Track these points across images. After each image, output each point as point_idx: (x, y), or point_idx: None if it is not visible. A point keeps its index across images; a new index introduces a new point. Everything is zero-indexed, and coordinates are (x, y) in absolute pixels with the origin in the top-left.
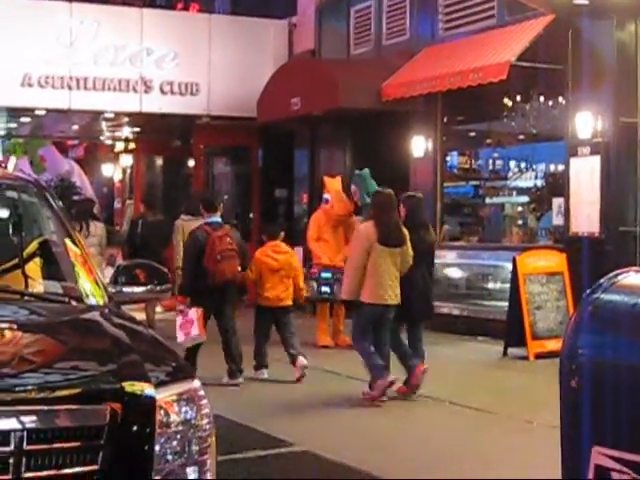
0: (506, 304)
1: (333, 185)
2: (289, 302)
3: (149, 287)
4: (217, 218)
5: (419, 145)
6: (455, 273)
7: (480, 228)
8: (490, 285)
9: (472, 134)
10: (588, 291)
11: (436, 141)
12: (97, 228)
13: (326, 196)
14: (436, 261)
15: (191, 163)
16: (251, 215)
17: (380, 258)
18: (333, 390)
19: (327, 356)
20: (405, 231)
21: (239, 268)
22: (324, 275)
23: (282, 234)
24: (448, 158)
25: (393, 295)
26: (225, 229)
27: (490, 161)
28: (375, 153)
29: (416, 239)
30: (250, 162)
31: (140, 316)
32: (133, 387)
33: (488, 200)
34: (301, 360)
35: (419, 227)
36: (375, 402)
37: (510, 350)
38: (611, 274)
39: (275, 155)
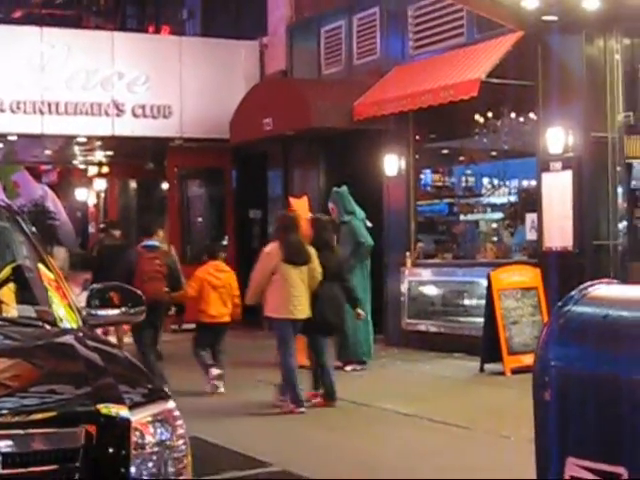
0: (482, 320)
1: (299, 205)
2: (228, 319)
3: (123, 309)
4: (153, 242)
5: (392, 163)
6: (431, 290)
7: (455, 245)
8: (466, 301)
9: (445, 152)
10: (559, 304)
11: (409, 159)
12: (60, 252)
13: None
14: (411, 279)
15: (165, 186)
16: (225, 237)
17: (287, 275)
18: (310, 410)
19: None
20: (311, 250)
21: (165, 289)
22: None
23: (223, 255)
24: (421, 176)
25: (301, 309)
26: (158, 252)
27: (463, 178)
28: (348, 172)
29: (322, 258)
30: (224, 183)
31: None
32: (108, 409)
33: (462, 217)
34: (214, 371)
35: (323, 247)
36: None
37: (486, 366)
38: (582, 286)
39: (249, 176)
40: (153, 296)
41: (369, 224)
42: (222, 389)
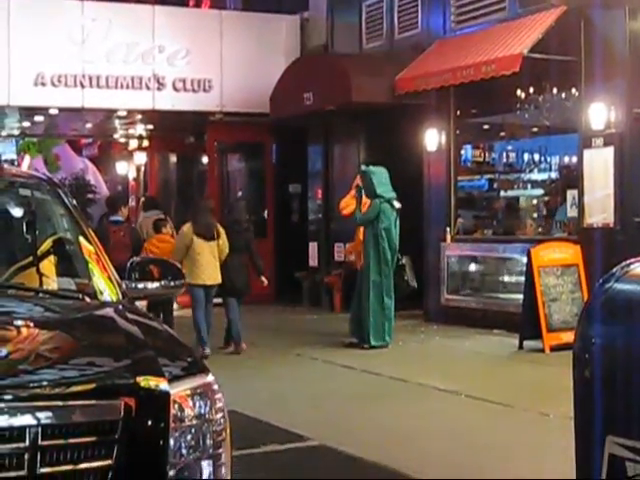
0: (521, 297)
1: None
2: None
3: (162, 283)
4: (117, 217)
5: (432, 139)
6: (470, 266)
7: (495, 221)
8: (505, 278)
9: (485, 127)
10: (600, 281)
11: (449, 134)
12: None
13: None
14: (451, 255)
15: (205, 160)
16: (265, 211)
17: (199, 248)
18: (348, 384)
19: (341, 351)
20: (220, 228)
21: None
22: None
23: (165, 230)
24: (462, 151)
25: (212, 277)
26: (122, 226)
27: (504, 154)
28: (389, 147)
29: (233, 234)
30: (264, 158)
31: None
32: (147, 382)
33: (502, 193)
34: None
35: (234, 225)
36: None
37: (526, 343)
38: (624, 263)
39: (288, 151)
40: (116, 264)
41: (397, 205)
42: None
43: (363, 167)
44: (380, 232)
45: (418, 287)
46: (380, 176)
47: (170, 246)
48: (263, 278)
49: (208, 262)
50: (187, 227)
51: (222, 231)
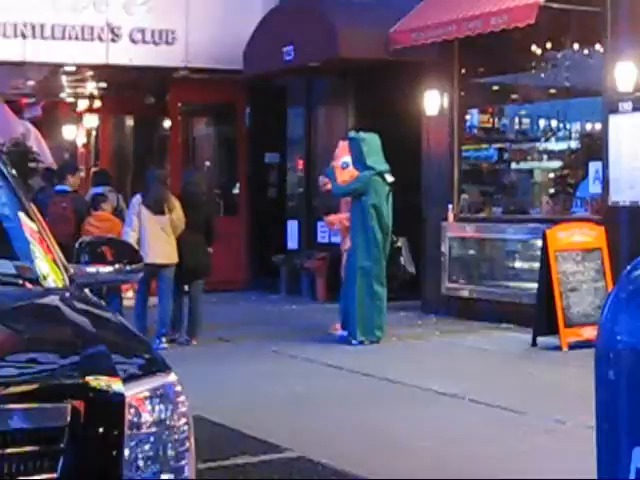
0: (535, 286)
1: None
2: None
3: (117, 266)
4: (64, 186)
5: (433, 101)
6: (476, 250)
7: (505, 198)
8: (517, 264)
9: (495, 88)
10: (628, 268)
11: (453, 97)
12: None
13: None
14: (453, 236)
15: (167, 124)
16: (237, 185)
17: (148, 223)
18: (332, 386)
19: (324, 347)
20: (175, 202)
21: (72, 233)
22: None
23: (104, 206)
24: (467, 116)
25: (162, 255)
26: (67, 197)
27: (516, 120)
28: (381, 111)
29: (189, 209)
30: (236, 122)
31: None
32: (98, 382)
33: (514, 165)
34: None
35: (190, 198)
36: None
37: (539, 339)
38: None
39: (265, 114)
40: (57, 238)
41: (390, 178)
42: None
43: (352, 133)
44: (368, 209)
45: (415, 274)
46: (372, 144)
47: (111, 225)
48: (209, 249)
49: (157, 237)
50: (138, 198)
51: (177, 205)
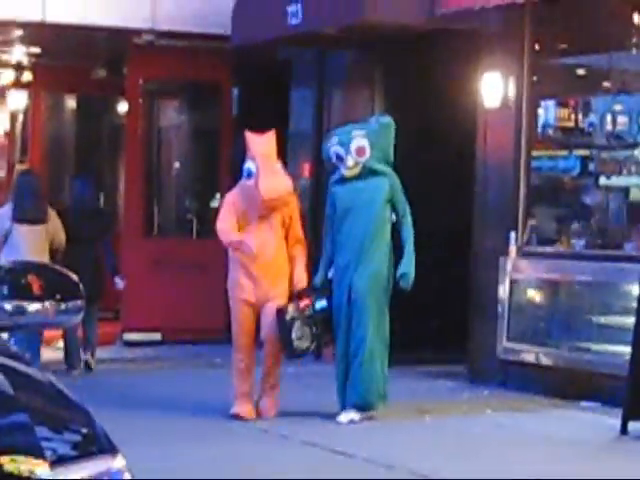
0: (628, 350)
1: (261, 146)
2: None
3: (48, 303)
4: None
5: (494, 89)
6: (546, 297)
7: (589, 226)
8: (603, 318)
9: (580, 72)
10: None
11: (521, 83)
12: None
13: (249, 166)
14: (517, 277)
15: (123, 107)
16: (217, 196)
17: (19, 235)
18: None
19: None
20: (50, 211)
21: None
22: None
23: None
24: (540, 111)
25: None
26: None
27: (608, 117)
28: (420, 97)
29: (75, 220)
30: (219, 107)
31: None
32: (16, 465)
33: (603, 180)
34: None
35: (76, 206)
36: None
37: (632, 425)
38: None
39: (260, 97)
40: None
41: None
42: None
43: (379, 117)
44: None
45: (461, 330)
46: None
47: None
48: (117, 279)
49: (34, 252)
50: (5, 209)
51: (52, 213)
